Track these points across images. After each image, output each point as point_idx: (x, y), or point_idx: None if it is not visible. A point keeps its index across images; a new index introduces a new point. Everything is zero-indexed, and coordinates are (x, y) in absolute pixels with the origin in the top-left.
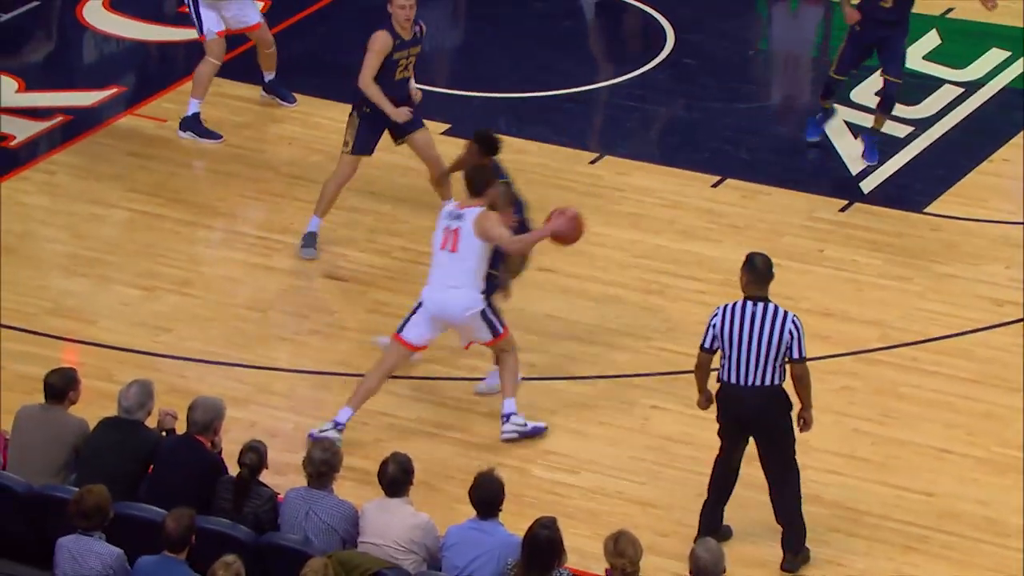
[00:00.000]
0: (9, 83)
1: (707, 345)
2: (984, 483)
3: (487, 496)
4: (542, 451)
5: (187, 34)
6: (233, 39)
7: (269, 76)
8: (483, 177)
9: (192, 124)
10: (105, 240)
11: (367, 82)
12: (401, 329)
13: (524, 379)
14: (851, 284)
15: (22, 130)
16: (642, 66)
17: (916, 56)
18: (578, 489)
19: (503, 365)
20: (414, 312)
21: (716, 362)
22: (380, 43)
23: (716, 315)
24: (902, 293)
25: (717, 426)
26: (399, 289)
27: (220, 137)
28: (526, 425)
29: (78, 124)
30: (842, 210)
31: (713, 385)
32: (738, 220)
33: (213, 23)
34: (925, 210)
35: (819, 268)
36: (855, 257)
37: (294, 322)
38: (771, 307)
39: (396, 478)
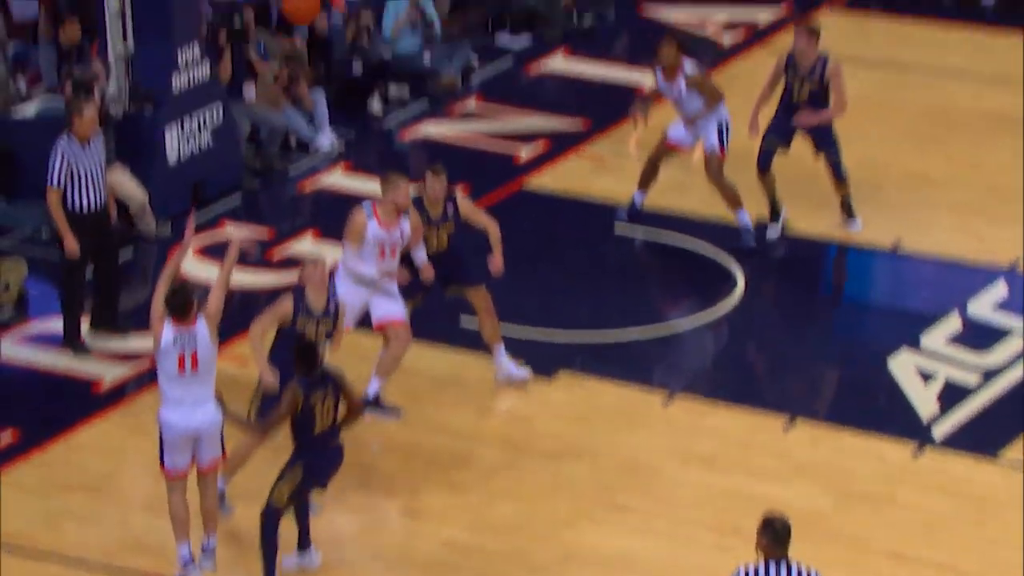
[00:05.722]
0: None
1: None
2: None
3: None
4: None
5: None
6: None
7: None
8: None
9: None
10: None
11: None
12: None
13: None
14: (923, 528)
15: (111, 373)
16: (715, 306)
17: (986, 306)
18: None
19: None
20: None
21: None
22: None
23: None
24: (976, 539)
25: None
26: None
27: None
28: None
29: None
30: (914, 454)
31: None
32: (809, 462)
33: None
34: (998, 454)
35: (890, 510)
36: (927, 501)
37: None
38: (795, 566)
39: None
